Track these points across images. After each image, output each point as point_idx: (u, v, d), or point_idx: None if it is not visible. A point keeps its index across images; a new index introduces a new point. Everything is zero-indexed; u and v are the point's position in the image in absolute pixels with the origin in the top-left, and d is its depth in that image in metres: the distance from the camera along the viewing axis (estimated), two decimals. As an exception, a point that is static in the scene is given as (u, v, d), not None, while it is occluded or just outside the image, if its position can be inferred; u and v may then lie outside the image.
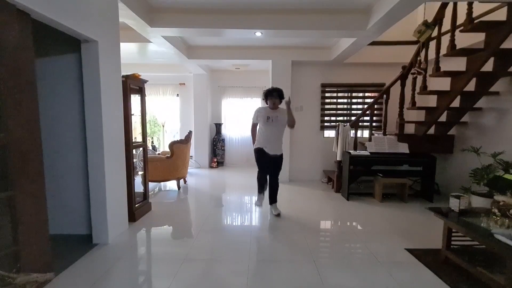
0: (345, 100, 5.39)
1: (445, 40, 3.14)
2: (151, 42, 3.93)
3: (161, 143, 6.91)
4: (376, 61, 4.96)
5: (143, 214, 3.27)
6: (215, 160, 6.51)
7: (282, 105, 3.27)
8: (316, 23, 3.43)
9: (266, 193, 3.45)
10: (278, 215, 3.32)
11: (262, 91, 3.21)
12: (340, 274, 2.10)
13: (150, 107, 6.49)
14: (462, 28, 2.96)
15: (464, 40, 3.27)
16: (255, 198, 3.77)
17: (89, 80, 2.41)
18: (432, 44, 3.33)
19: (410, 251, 2.42)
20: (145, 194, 3.42)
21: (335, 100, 5.38)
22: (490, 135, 3.43)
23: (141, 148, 3.58)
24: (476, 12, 2.94)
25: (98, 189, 2.49)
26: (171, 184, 4.86)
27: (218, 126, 6.60)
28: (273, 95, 3.16)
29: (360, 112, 4.77)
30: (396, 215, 3.38)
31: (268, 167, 3.32)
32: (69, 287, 1.92)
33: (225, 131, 6.72)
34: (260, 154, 3.27)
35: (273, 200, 3.42)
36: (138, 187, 3.44)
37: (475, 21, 2.90)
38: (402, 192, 3.94)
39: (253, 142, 3.39)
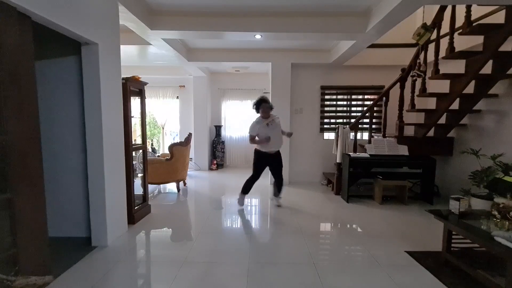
0: (345, 103, 5.40)
1: (444, 43, 3.15)
2: (151, 44, 3.94)
3: (161, 145, 6.91)
4: (375, 63, 4.98)
5: (142, 216, 3.26)
6: (215, 162, 6.50)
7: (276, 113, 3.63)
8: (316, 26, 3.45)
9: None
10: (279, 206, 3.72)
11: (253, 104, 3.58)
12: (340, 277, 2.09)
13: (150, 109, 6.51)
14: (460, 31, 2.98)
15: (463, 42, 3.29)
16: (255, 200, 3.76)
17: (89, 82, 2.41)
18: (431, 47, 3.34)
19: (410, 253, 2.42)
20: (144, 197, 3.41)
21: (334, 103, 5.39)
22: (489, 137, 3.43)
23: (140, 150, 3.59)
24: (474, 15, 2.95)
25: (98, 191, 2.49)
26: (171, 187, 4.85)
27: (218, 128, 6.60)
28: (263, 104, 3.47)
29: (359, 114, 4.78)
30: (396, 217, 3.38)
31: (262, 171, 3.62)
32: (67, 290, 1.91)
33: (225, 133, 6.73)
34: (261, 156, 3.53)
35: (278, 193, 3.78)
36: (138, 189, 3.44)
37: (474, 24, 2.92)
38: (402, 194, 3.93)
39: (257, 144, 3.55)
